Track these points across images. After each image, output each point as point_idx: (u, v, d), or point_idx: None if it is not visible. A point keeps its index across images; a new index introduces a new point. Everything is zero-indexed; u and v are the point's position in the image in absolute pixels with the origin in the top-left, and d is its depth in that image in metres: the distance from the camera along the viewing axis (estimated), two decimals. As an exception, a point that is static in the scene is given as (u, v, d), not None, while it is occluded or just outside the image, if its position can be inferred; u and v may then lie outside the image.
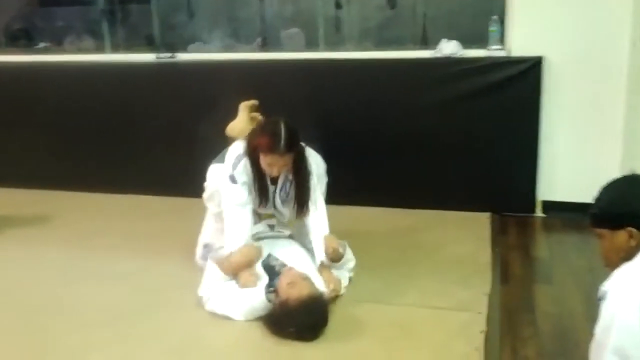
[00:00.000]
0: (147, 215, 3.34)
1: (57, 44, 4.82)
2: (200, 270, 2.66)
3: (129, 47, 4.47)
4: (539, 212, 3.57)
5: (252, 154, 2.53)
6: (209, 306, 2.48)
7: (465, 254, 2.99)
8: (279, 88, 3.67)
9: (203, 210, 2.89)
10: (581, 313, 2.47)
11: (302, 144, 2.59)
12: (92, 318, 2.50)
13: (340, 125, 3.63)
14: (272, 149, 2.44)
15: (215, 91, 3.59)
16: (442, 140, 3.55)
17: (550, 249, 3.19)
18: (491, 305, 2.50)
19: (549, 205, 3.55)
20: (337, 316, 2.42)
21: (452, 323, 2.36)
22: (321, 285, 2.44)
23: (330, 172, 3.11)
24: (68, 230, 3.52)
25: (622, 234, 1.60)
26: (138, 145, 4.01)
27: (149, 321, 2.47)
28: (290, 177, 2.62)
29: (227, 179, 2.56)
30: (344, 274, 2.65)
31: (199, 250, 2.89)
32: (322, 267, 2.56)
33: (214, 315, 2.46)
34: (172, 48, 4.14)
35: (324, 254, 2.55)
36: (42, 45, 4.79)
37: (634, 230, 1.58)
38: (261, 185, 2.59)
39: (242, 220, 2.54)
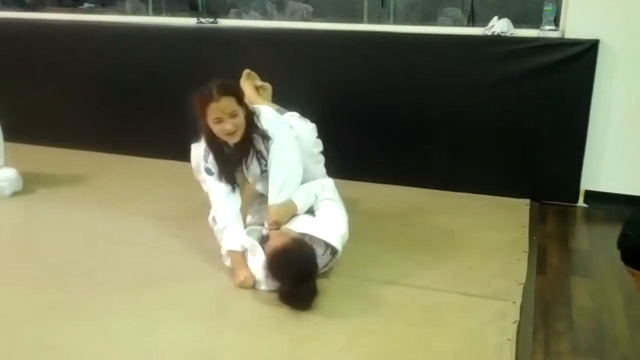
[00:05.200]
0: (182, 180, 3.34)
1: (102, 5, 4.84)
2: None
3: (172, 11, 4.44)
4: (581, 202, 3.45)
5: (208, 131, 2.46)
6: (227, 262, 2.55)
7: (502, 241, 2.92)
8: (320, 59, 3.61)
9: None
10: (620, 309, 2.38)
11: (255, 107, 2.56)
12: (117, 281, 2.53)
13: (380, 102, 3.55)
14: (206, 99, 2.37)
15: (256, 58, 3.53)
16: (485, 121, 3.43)
17: (591, 240, 3.08)
18: (526, 296, 2.43)
19: (592, 195, 3.43)
20: (365, 297, 2.39)
21: (484, 311, 2.31)
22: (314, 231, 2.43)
23: (368, 149, 3.04)
24: (101, 192, 3.55)
25: None
26: (176, 110, 3.99)
27: (173, 286, 2.48)
28: (257, 149, 2.54)
29: (204, 171, 2.56)
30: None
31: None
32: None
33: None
34: (215, 14, 4.10)
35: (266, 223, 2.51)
36: (86, 5, 4.82)
37: None
38: (227, 170, 2.54)
39: (229, 206, 2.54)
